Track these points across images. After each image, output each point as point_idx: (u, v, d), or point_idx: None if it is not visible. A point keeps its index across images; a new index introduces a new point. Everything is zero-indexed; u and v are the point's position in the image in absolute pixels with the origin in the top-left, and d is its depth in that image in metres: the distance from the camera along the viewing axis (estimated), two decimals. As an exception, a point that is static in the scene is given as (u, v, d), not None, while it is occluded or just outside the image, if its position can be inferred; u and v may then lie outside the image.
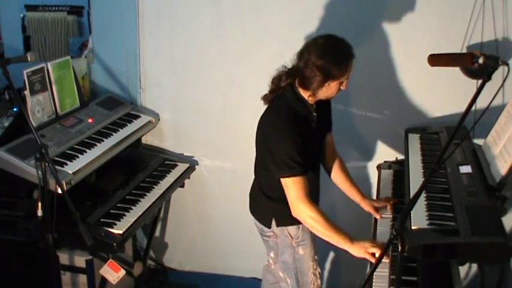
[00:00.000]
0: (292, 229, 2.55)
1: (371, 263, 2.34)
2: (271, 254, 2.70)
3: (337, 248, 2.38)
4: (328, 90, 2.39)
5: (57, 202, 2.45)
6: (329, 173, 2.78)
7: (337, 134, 3.24)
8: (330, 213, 3.37)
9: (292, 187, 2.37)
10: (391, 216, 2.68)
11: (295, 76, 2.42)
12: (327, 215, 2.40)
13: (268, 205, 2.59)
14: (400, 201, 2.72)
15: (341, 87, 2.41)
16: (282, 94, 2.43)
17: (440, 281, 2.13)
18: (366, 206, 2.76)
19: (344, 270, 3.55)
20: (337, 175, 2.77)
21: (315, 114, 2.49)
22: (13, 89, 2.49)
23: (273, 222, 2.56)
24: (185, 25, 3.34)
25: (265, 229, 2.61)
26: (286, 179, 2.38)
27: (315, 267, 2.63)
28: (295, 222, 2.50)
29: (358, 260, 2.33)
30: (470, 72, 2.90)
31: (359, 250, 2.34)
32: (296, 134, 2.36)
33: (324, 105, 2.57)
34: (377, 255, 2.27)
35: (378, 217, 2.72)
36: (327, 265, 3.58)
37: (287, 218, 2.50)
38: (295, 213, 2.41)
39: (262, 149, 2.49)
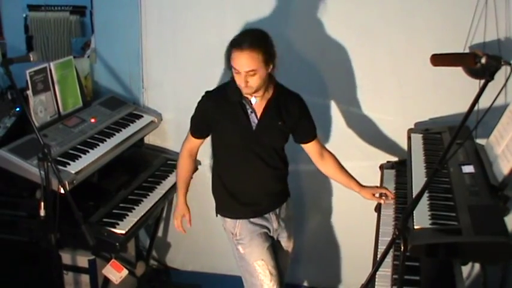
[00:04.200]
0: (229, 222, 2.61)
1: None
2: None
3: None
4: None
5: (60, 202, 2.45)
6: (326, 174, 2.79)
7: (340, 134, 3.25)
8: (330, 212, 3.39)
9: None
10: (393, 215, 2.68)
11: None
12: None
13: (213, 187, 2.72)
14: (400, 200, 2.73)
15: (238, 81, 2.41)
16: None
17: (443, 281, 2.13)
18: (366, 195, 2.75)
19: (345, 270, 3.54)
20: (333, 175, 2.76)
21: (250, 110, 2.49)
22: (16, 88, 2.50)
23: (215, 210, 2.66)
24: (188, 25, 3.34)
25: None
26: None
27: (264, 271, 2.55)
28: (232, 216, 2.59)
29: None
30: (473, 72, 2.89)
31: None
32: (208, 107, 2.52)
33: (291, 114, 2.54)
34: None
35: (381, 202, 2.73)
36: (327, 265, 3.57)
37: (220, 208, 2.64)
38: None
39: None
